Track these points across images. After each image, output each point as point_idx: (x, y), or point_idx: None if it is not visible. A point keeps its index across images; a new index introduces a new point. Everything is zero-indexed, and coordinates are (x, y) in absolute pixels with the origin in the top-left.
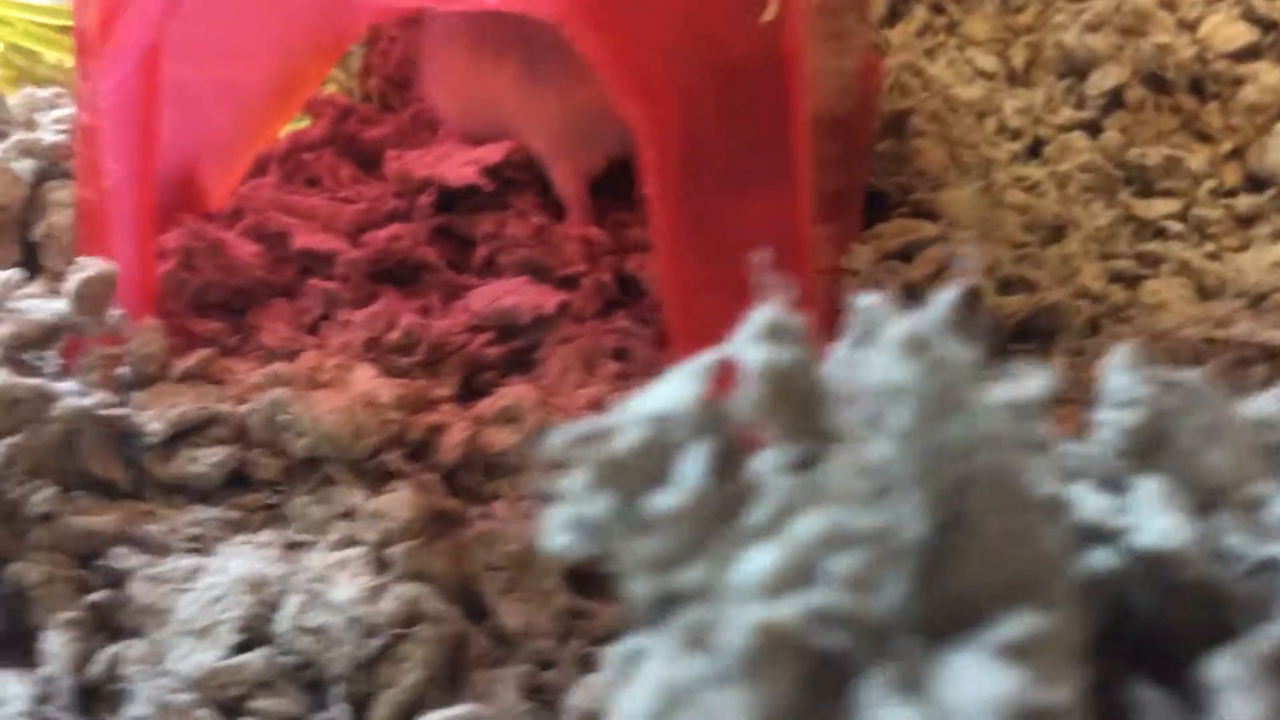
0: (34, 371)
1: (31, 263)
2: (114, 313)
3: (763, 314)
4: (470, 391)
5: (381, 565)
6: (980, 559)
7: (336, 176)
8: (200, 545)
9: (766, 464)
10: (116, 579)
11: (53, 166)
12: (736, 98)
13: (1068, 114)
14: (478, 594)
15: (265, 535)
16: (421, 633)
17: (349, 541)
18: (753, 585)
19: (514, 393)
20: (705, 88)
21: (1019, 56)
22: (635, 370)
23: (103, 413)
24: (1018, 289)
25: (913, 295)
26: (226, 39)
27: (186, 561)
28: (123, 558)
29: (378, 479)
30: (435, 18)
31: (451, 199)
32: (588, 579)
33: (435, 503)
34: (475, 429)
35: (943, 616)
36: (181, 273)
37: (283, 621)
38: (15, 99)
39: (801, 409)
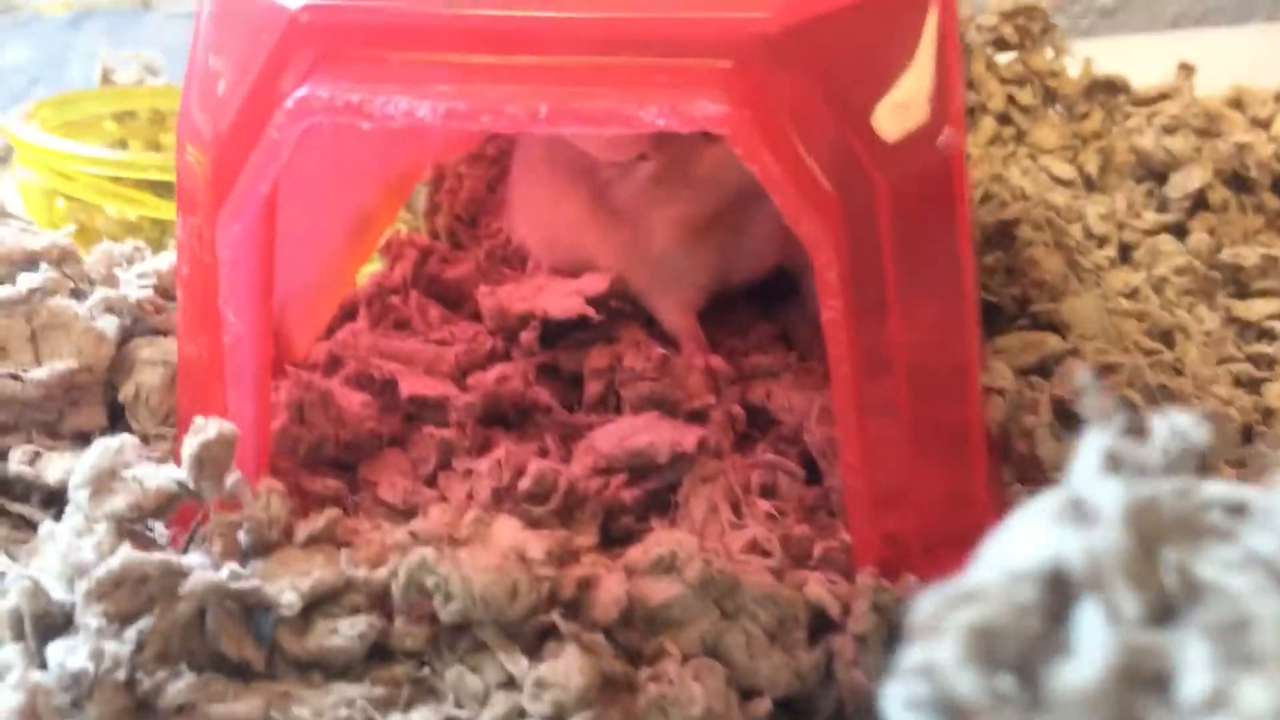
0: (150, 543)
1: (118, 424)
2: (234, 476)
3: (1099, 443)
4: (607, 538)
5: None
6: None
7: (426, 318)
8: None
9: (1144, 617)
10: None
11: (137, 323)
12: (905, 209)
13: (1151, 218)
14: None
15: (419, 713)
16: None
17: (515, 715)
18: None
19: (668, 539)
20: (876, 201)
21: (1092, 163)
22: (788, 508)
23: (234, 587)
24: (1162, 400)
25: (1065, 413)
26: (301, 186)
27: None
28: None
29: (533, 641)
30: (520, 146)
31: (550, 334)
32: None
33: (604, 666)
34: (630, 581)
35: None
36: (294, 427)
37: None
38: (92, 255)
39: (1168, 551)
